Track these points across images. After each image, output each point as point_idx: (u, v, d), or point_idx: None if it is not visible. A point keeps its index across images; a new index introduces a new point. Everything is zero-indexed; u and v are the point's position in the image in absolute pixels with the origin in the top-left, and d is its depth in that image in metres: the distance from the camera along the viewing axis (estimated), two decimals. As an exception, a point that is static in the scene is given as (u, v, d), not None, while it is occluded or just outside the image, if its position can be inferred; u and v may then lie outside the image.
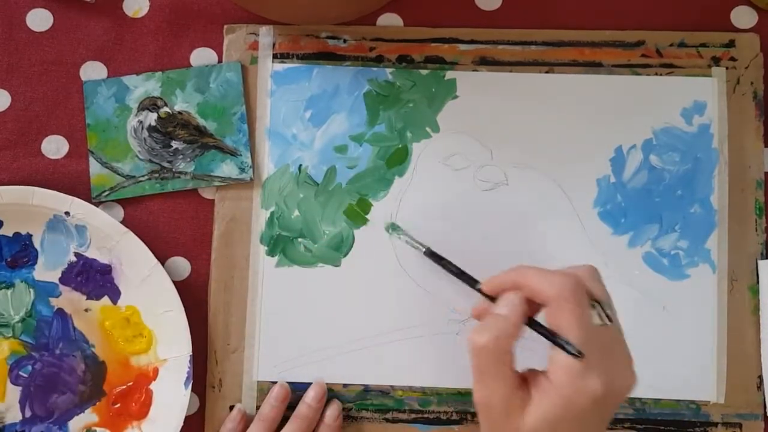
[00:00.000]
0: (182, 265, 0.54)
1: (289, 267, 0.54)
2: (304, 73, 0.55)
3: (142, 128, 0.54)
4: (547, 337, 0.40)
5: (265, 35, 0.55)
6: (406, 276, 0.53)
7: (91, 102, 0.55)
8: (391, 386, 0.53)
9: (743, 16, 0.56)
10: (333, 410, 0.52)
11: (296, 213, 0.54)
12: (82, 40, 0.56)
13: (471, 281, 0.45)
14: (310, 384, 0.53)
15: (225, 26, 0.55)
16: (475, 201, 0.54)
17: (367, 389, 0.53)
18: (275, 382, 0.53)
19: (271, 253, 0.54)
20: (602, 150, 0.54)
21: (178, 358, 0.52)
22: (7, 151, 0.55)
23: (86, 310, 0.53)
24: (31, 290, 0.53)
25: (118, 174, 0.54)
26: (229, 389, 0.53)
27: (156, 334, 0.53)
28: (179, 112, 0.54)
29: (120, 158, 0.54)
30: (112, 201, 0.54)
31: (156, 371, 0.53)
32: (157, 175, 0.54)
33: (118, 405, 0.53)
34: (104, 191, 0.54)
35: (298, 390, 0.53)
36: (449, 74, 0.55)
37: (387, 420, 0.53)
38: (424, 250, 0.49)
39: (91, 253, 0.53)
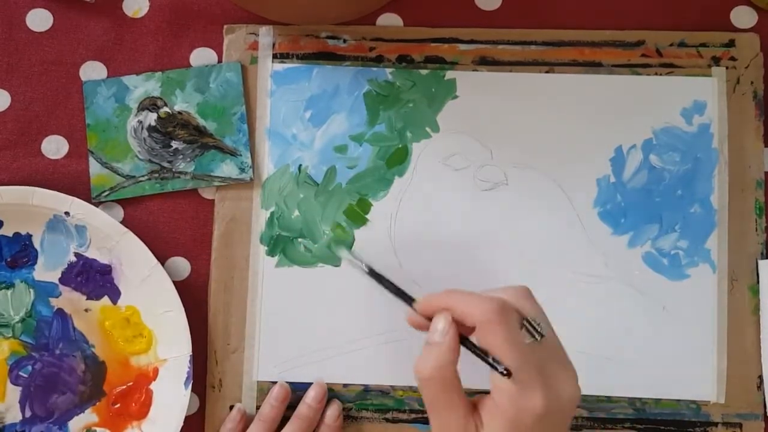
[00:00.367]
0: (182, 265, 0.54)
1: (289, 267, 0.54)
2: (304, 73, 0.55)
3: (142, 128, 0.54)
4: (479, 357, 0.40)
5: (265, 35, 0.55)
6: (406, 276, 0.53)
7: (91, 102, 0.55)
8: (391, 386, 0.53)
9: (743, 16, 0.56)
10: (333, 410, 0.52)
11: (296, 213, 0.54)
12: (82, 40, 0.56)
13: (408, 300, 0.45)
14: (310, 384, 0.53)
15: (225, 26, 0.55)
16: (475, 201, 0.54)
17: (367, 389, 0.53)
18: (275, 382, 0.53)
19: (271, 253, 0.54)
20: (602, 150, 0.54)
21: (178, 358, 0.52)
22: (7, 151, 0.55)
23: (86, 310, 0.53)
24: (31, 290, 0.53)
25: (118, 174, 0.54)
26: (229, 389, 0.53)
27: (156, 334, 0.53)
28: (179, 112, 0.54)
29: (120, 158, 0.54)
30: (112, 201, 0.54)
31: (156, 371, 0.53)
32: (157, 175, 0.54)
33: (118, 405, 0.53)
34: (104, 191, 0.54)
35: (298, 390, 0.53)
36: (449, 74, 0.55)
37: (387, 420, 0.53)
38: (366, 270, 0.48)
39: (91, 254, 0.53)
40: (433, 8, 0.56)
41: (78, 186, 0.54)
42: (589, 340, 0.53)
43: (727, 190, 0.54)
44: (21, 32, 0.56)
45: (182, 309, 0.52)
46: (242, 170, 0.54)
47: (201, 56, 0.55)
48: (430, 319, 0.43)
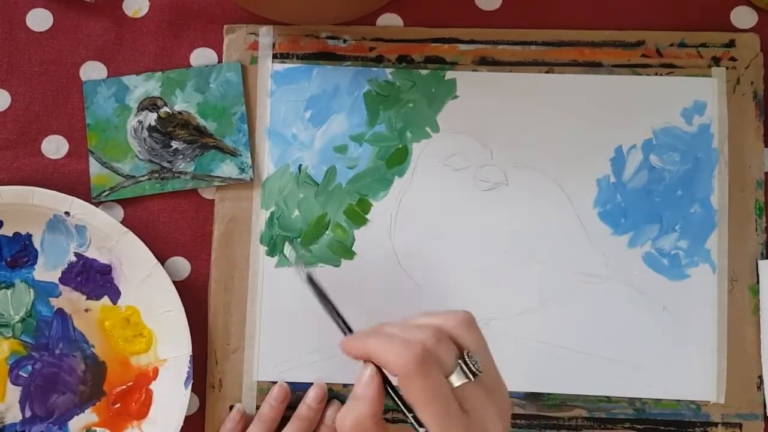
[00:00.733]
0: (182, 265, 0.54)
1: (290, 267, 0.54)
2: (304, 73, 0.55)
3: (142, 128, 0.54)
4: (402, 410, 0.40)
5: (265, 35, 0.55)
6: (406, 276, 0.53)
7: (91, 102, 0.55)
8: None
9: (743, 16, 0.56)
10: (333, 411, 0.52)
11: (296, 213, 0.54)
12: (82, 40, 0.56)
13: (347, 330, 0.45)
14: (309, 384, 0.53)
15: (225, 26, 0.55)
16: (475, 201, 0.54)
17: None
18: (275, 382, 0.53)
19: (271, 253, 0.54)
20: (602, 150, 0.54)
21: (178, 358, 0.52)
22: (7, 151, 0.55)
23: (86, 310, 0.53)
24: (31, 290, 0.53)
25: (118, 174, 0.54)
26: (229, 389, 0.53)
27: (156, 334, 0.53)
28: (179, 112, 0.54)
29: (120, 158, 0.54)
30: (112, 201, 0.54)
31: (156, 371, 0.53)
32: (157, 175, 0.54)
33: (118, 405, 0.53)
34: (104, 191, 0.54)
35: (297, 390, 0.53)
36: (449, 74, 0.55)
37: (387, 420, 0.53)
38: (304, 276, 0.47)
39: (91, 253, 0.53)
40: (433, 8, 0.56)
41: (78, 186, 0.54)
42: (589, 340, 0.53)
43: (727, 190, 0.54)
44: (21, 32, 0.56)
45: (182, 309, 0.52)
46: (242, 170, 0.54)
47: (201, 56, 0.55)
48: None
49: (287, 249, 0.53)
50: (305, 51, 0.55)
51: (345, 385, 0.53)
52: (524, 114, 0.55)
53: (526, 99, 0.55)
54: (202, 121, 0.54)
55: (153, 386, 0.53)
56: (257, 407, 0.53)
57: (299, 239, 0.54)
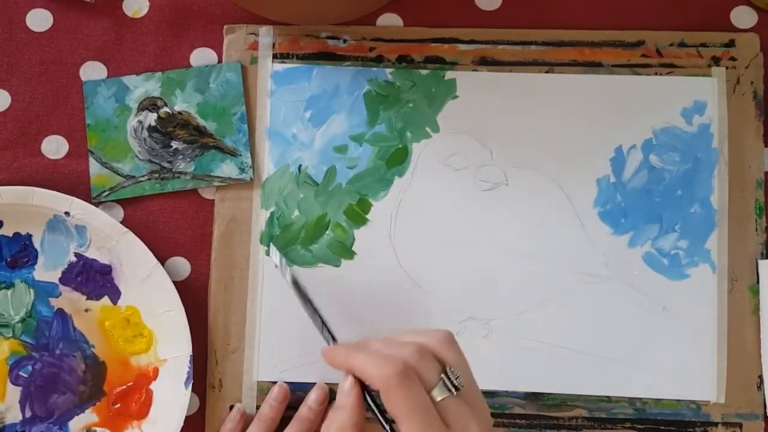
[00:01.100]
0: (182, 265, 0.54)
1: (289, 267, 0.54)
2: (304, 73, 0.55)
3: (142, 128, 0.54)
4: (382, 423, 0.42)
5: (265, 35, 0.55)
6: (406, 276, 0.53)
7: (91, 102, 0.55)
8: (391, 386, 0.53)
9: (743, 16, 0.56)
10: (334, 412, 0.52)
11: (296, 213, 0.54)
12: (82, 40, 0.56)
13: (329, 338, 0.48)
14: (309, 384, 0.53)
15: (225, 26, 0.55)
16: (475, 201, 0.54)
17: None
18: (275, 383, 0.53)
19: (271, 253, 0.54)
20: (602, 150, 0.54)
21: (178, 358, 0.52)
22: (7, 151, 0.55)
23: (86, 310, 0.53)
24: (31, 290, 0.53)
25: (118, 174, 0.54)
26: (229, 389, 0.53)
27: (156, 334, 0.53)
28: (179, 112, 0.54)
29: (120, 158, 0.54)
30: (112, 201, 0.54)
31: (156, 371, 0.53)
32: (157, 175, 0.54)
33: (118, 405, 0.53)
34: (104, 191, 0.54)
35: (298, 390, 0.53)
36: (449, 74, 0.55)
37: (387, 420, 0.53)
38: (289, 280, 0.49)
39: (91, 254, 0.53)
40: (433, 8, 0.56)
41: (78, 186, 0.54)
42: (589, 340, 0.53)
43: (727, 190, 0.54)
44: (21, 32, 0.56)
45: (182, 309, 0.52)
46: (242, 170, 0.54)
47: (201, 56, 0.55)
48: None
49: (272, 250, 0.53)
50: (305, 51, 0.55)
51: (345, 385, 0.53)
52: (524, 114, 0.55)
53: (526, 99, 0.55)
54: (202, 121, 0.54)
55: (153, 386, 0.53)
56: (257, 407, 0.53)
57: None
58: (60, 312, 0.53)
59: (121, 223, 0.53)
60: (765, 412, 0.53)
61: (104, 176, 0.54)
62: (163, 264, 0.53)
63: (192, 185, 0.54)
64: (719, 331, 0.53)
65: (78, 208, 0.52)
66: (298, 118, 0.55)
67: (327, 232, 0.54)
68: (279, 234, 0.54)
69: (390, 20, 0.56)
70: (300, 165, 0.54)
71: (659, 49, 0.55)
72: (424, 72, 0.55)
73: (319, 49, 0.55)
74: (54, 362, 0.53)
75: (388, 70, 0.55)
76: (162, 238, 0.54)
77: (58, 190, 0.52)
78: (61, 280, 0.53)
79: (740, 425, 0.53)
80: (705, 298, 0.53)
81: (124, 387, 0.53)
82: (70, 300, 0.53)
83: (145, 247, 0.52)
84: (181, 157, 0.54)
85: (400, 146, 0.54)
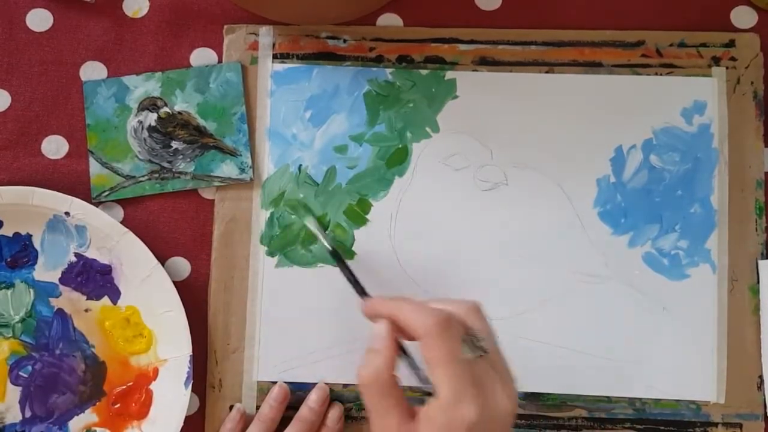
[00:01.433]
0: (182, 265, 0.54)
1: (289, 267, 0.54)
2: (304, 73, 0.55)
3: (142, 128, 0.54)
4: (412, 371, 0.44)
5: (265, 35, 0.55)
6: (406, 276, 0.53)
7: (91, 102, 0.55)
8: (391, 386, 0.53)
9: (743, 16, 0.56)
10: (335, 413, 0.52)
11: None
12: (82, 40, 0.56)
13: (361, 292, 0.48)
14: (310, 384, 0.53)
15: (225, 26, 0.55)
16: (475, 201, 0.54)
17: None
18: (275, 383, 0.53)
19: (271, 253, 0.54)
20: (602, 150, 0.54)
21: (178, 358, 0.52)
22: (7, 151, 0.55)
23: (86, 311, 0.53)
24: (31, 290, 0.53)
25: (118, 174, 0.54)
26: (229, 389, 0.53)
27: (156, 334, 0.53)
28: (179, 112, 0.54)
29: (120, 158, 0.54)
30: (112, 201, 0.54)
31: (156, 371, 0.53)
32: (157, 175, 0.54)
33: (118, 405, 0.53)
34: (104, 191, 0.54)
35: (298, 390, 0.53)
36: (449, 74, 0.55)
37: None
38: (329, 248, 0.50)
39: (91, 254, 0.53)
40: (433, 8, 0.56)
41: (78, 186, 0.54)
42: (589, 340, 0.53)
43: (727, 190, 0.54)
44: (21, 32, 0.56)
45: (182, 309, 0.52)
46: (242, 170, 0.54)
47: (201, 56, 0.55)
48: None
49: (308, 218, 0.52)
50: (305, 51, 0.55)
51: (345, 385, 0.53)
52: (524, 114, 0.55)
53: (526, 99, 0.55)
54: (202, 121, 0.54)
55: (153, 386, 0.53)
56: (257, 407, 0.53)
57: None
58: (60, 312, 0.53)
59: (121, 223, 0.53)
60: (765, 412, 0.53)
61: (104, 176, 0.54)
62: (163, 264, 0.53)
63: (192, 185, 0.54)
64: (719, 331, 0.53)
65: (78, 208, 0.52)
66: (298, 118, 0.55)
67: (327, 232, 0.54)
68: (279, 234, 0.54)
69: (390, 20, 0.56)
70: (300, 165, 0.54)
71: (659, 49, 0.55)
72: (424, 72, 0.55)
73: (319, 49, 0.55)
74: (54, 362, 0.53)
75: (388, 70, 0.55)
76: (162, 238, 0.54)
77: (58, 190, 0.52)
78: (61, 280, 0.53)
79: (740, 425, 0.53)
80: (705, 298, 0.53)
81: (124, 387, 0.53)
82: (70, 300, 0.53)
83: (145, 247, 0.52)
84: (181, 157, 0.54)
85: (400, 146, 0.54)
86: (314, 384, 0.53)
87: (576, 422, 0.53)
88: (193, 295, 0.54)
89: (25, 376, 0.53)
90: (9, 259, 0.53)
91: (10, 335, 0.53)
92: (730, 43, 0.55)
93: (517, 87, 0.55)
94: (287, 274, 0.54)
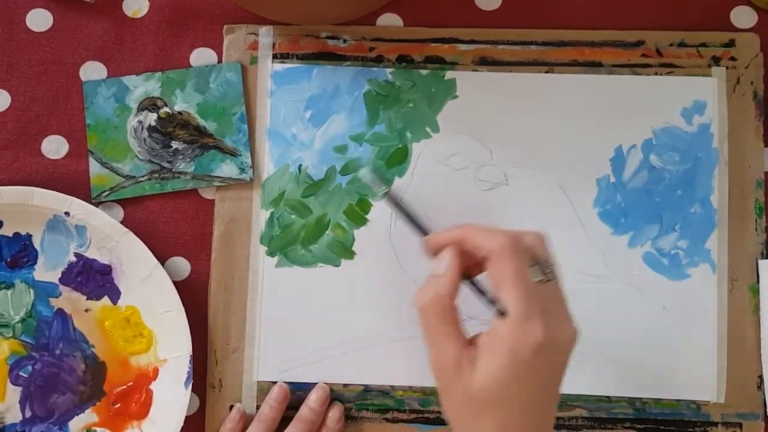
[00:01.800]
0: (182, 265, 0.54)
1: (289, 267, 0.54)
2: (304, 73, 0.55)
3: (142, 128, 0.54)
4: (478, 293, 0.42)
5: (265, 35, 0.55)
6: (406, 276, 0.53)
7: (91, 102, 0.55)
8: (391, 386, 0.53)
9: (743, 16, 0.56)
10: (335, 413, 0.52)
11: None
12: (82, 40, 0.56)
13: (423, 232, 0.45)
14: (310, 384, 0.53)
15: (225, 26, 0.55)
16: (475, 201, 0.54)
17: (367, 389, 0.53)
18: (275, 383, 0.53)
19: (271, 253, 0.54)
20: (602, 150, 0.54)
21: (178, 358, 0.52)
22: (7, 151, 0.55)
23: (86, 311, 0.53)
24: (31, 290, 0.53)
25: (118, 174, 0.54)
26: (229, 389, 0.53)
27: (156, 334, 0.53)
28: (179, 112, 0.54)
29: (120, 158, 0.54)
30: (112, 201, 0.54)
31: (156, 371, 0.53)
32: (157, 175, 0.54)
33: (118, 405, 0.53)
34: (104, 191, 0.54)
35: (298, 390, 0.53)
36: (449, 74, 0.55)
37: (387, 420, 0.53)
38: (384, 191, 0.48)
39: (91, 254, 0.53)
40: (433, 8, 0.56)
41: (78, 186, 0.54)
42: (589, 340, 0.53)
43: (727, 190, 0.54)
44: (21, 32, 0.56)
45: (182, 309, 0.52)
46: (242, 170, 0.54)
47: (201, 56, 0.55)
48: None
49: (363, 170, 0.50)
50: (305, 51, 0.55)
51: (345, 385, 0.53)
52: (524, 114, 0.55)
53: (526, 99, 0.55)
54: (202, 121, 0.54)
55: (153, 386, 0.53)
56: (257, 407, 0.53)
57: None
58: (60, 312, 0.53)
59: (121, 223, 0.53)
60: (765, 412, 0.53)
61: (104, 176, 0.54)
62: (163, 264, 0.53)
63: (192, 185, 0.54)
64: (719, 331, 0.53)
65: (78, 208, 0.52)
66: (298, 118, 0.55)
67: (327, 232, 0.54)
68: (279, 234, 0.54)
69: (390, 20, 0.56)
70: (300, 165, 0.54)
71: (659, 49, 0.55)
72: (424, 72, 0.55)
73: (319, 49, 0.55)
74: (54, 362, 0.53)
75: (388, 70, 0.55)
76: (162, 238, 0.54)
77: (58, 190, 0.52)
78: (61, 280, 0.53)
79: (740, 425, 0.53)
80: (705, 298, 0.53)
81: (124, 387, 0.53)
82: (70, 300, 0.53)
83: (145, 247, 0.52)
84: (181, 157, 0.54)
85: (400, 146, 0.54)
86: (314, 384, 0.53)
87: (576, 422, 0.53)
88: (193, 295, 0.54)
89: (25, 376, 0.53)
90: (9, 259, 0.53)
91: (10, 335, 0.53)
92: (730, 43, 0.55)
93: (517, 87, 0.55)
94: (287, 274, 0.54)
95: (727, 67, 0.55)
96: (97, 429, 0.53)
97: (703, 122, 0.54)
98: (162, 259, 0.53)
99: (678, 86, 0.55)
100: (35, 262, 0.53)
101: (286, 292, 0.54)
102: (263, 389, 0.53)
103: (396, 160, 0.54)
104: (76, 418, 0.53)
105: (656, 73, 0.55)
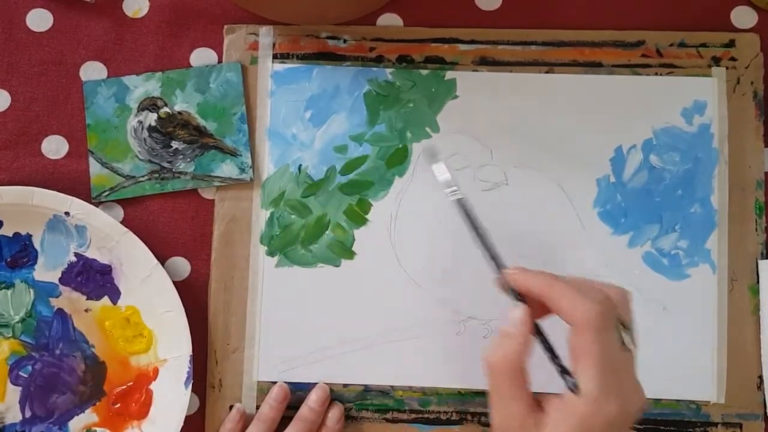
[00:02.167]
0: (182, 265, 0.54)
1: (289, 267, 0.54)
2: (304, 73, 0.55)
3: (142, 128, 0.54)
4: (551, 358, 0.41)
5: (265, 35, 0.55)
6: (406, 276, 0.53)
7: (91, 102, 0.55)
8: (391, 386, 0.53)
9: (743, 16, 0.56)
10: (335, 413, 0.52)
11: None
12: (82, 40, 0.56)
13: (497, 263, 0.43)
14: (310, 384, 0.53)
15: (225, 26, 0.55)
16: (475, 201, 0.54)
17: (367, 389, 0.53)
18: (275, 383, 0.53)
19: (271, 253, 0.54)
20: (602, 150, 0.54)
21: (178, 358, 0.52)
22: (7, 151, 0.55)
23: (86, 310, 0.53)
24: (31, 290, 0.53)
25: (118, 174, 0.54)
26: (229, 389, 0.53)
27: (156, 334, 0.53)
28: (179, 113, 0.54)
29: (120, 158, 0.54)
30: (112, 201, 0.54)
31: (156, 371, 0.53)
32: (157, 175, 0.54)
33: (118, 405, 0.53)
34: (104, 191, 0.54)
35: (298, 390, 0.53)
36: (449, 74, 0.55)
37: (387, 420, 0.53)
38: (459, 197, 0.45)
39: (91, 254, 0.53)
40: (433, 8, 0.56)
41: (78, 186, 0.54)
42: (589, 340, 0.53)
43: (727, 190, 0.54)
44: (21, 32, 0.56)
45: (182, 309, 0.52)
46: (242, 170, 0.54)
47: (201, 56, 0.55)
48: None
49: (438, 165, 0.47)
50: (305, 51, 0.55)
51: (345, 385, 0.53)
52: (524, 114, 0.55)
53: (526, 99, 0.55)
54: (202, 121, 0.54)
55: (153, 386, 0.53)
56: (257, 407, 0.53)
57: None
58: (60, 312, 0.53)
59: (121, 223, 0.53)
60: (765, 412, 0.53)
61: (104, 176, 0.54)
62: (163, 264, 0.53)
63: (192, 185, 0.54)
64: (719, 331, 0.53)
65: (78, 208, 0.52)
66: (298, 118, 0.55)
67: (327, 232, 0.54)
68: (279, 234, 0.54)
69: (390, 20, 0.56)
70: (300, 165, 0.54)
71: (659, 49, 0.55)
72: (424, 72, 0.55)
73: (319, 49, 0.55)
74: (54, 362, 0.53)
75: (388, 70, 0.55)
76: (162, 238, 0.54)
77: (58, 190, 0.52)
78: (61, 280, 0.53)
79: (740, 425, 0.53)
80: (705, 298, 0.53)
81: (124, 387, 0.53)
82: (70, 300, 0.53)
83: (145, 247, 0.52)
84: (181, 157, 0.54)
85: (400, 146, 0.54)
86: (314, 384, 0.53)
87: (576, 422, 0.53)
88: (193, 295, 0.54)
89: (25, 376, 0.53)
90: (9, 259, 0.53)
91: (10, 335, 0.53)
92: (730, 43, 0.55)
93: (517, 87, 0.55)
94: (287, 274, 0.54)
95: (727, 68, 0.55)
96: (97, 429, 0.53)
97: (703, 122, 0.54)
98: (162, 259, 0.53)
99: (678, 86, 0.55)
100: (35, 262, 0.53)
101: (286, 292, 0.54)
102: (263, 389, 0.53)
103: (396, 160, 0.54)
104: (76, 418, 0.53)
105: (656, 73, 0.55)
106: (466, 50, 0.55)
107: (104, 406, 0.53)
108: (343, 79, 0.55)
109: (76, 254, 0.53)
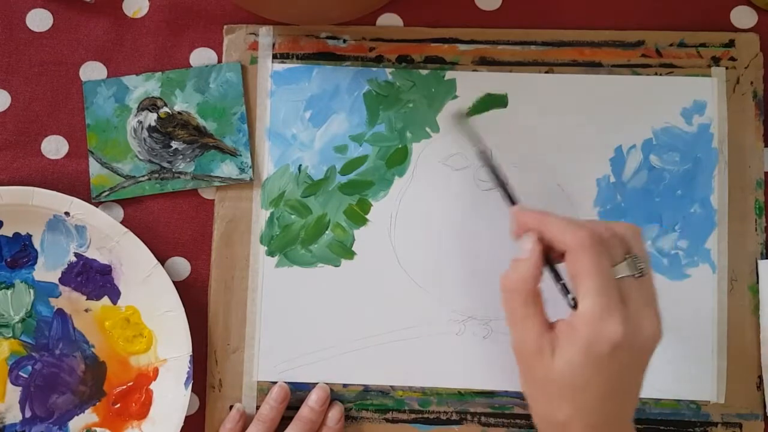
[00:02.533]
0: (182, 265, 0.54)
1: (289, 267, 0.54)
2: (304, 73, 0.55)
3: (142, 128, 0.54)
4: (555, 280, 0.43)
5: (265, 35, 0.55)
6: (406, 276, 0.53)
7: (91, 102, 0.55)
8: (391, 386, 0.53)
9: (743, 16, 0.56)
10: (335, 413, 0.52)
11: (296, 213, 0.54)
12: (82, 40, 0.56)
13: (510, 200, 0.47)
14: (310, 384, 0.53)
15: (225, 26, 0.55)
16: (475, 201, 0.54)
17: (367, 389, 0.53)
18: (275, 383, 0.53)
19: (271, 253, 0.54)
20: (602, 150, 0.54)
21: (178, 358, 0.52)
22: (7, 151, 0.55)
23: (86, 311, 0.53)
24: (31, 290, 0.53)
25: (118, 174, 0.54)
26: (229, 389, 0.53)
27: (156, 334, 0.53)
28: (179, 113, 0.54)
29: (120, 158, 0.54)
30: (112, 201, 0.54)
31: (156, 371, 0.53)
32: (157, 175, 0.54)
33: (118, 405, 0.53)
34: (104, 191, 0.54)
35: (298, 390, 0.53)
36: (449, 74, 0.55)
37: (387, 420, 0.53)
38: (479, 148, 0.49)
39: (91, 254, 0.53)
40: (433, 8, 0.56)
41: (78, 186, 0.54)
42: (589, 340, 0.53)
43: (727, 190, 0.54)
44: (21, 32, 0.56)
45: (182, 309, 0.52)
46: (242, 170, 0.54)
47: (201, 56, 0.55)
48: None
49: (460, 120, 0.50)
50: (305, 51, 0.55)
51: (345, 385, 0.53)
52: (524, 114, 0.55)
53: (526, 99, 0.55)
54: (202, 121, 0.54)
55: (153, 386, 0.53)
56: (257, 407, 0.53)
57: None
58: (60, 312, 0.53)
59: (121, 223, 0.53)
60: (765, 412, 0.53)
61: (104, 176, 0.54)
62: (163, 264, 0.53)
63: (192, 185, 0.54)
64: (719, 331, 0.53)
65: (78, 208, 0.52)
66: (298, 118, 0.55)
67: (327, 232, 0.54)
68: (279, 234, 0.54)
69: (390, 20, 0.56)
70: (300, 165, 0.54)
71: (659, 49, 0.55)
72: (424, 72, 0.55)
73: (319, 49, 0.55)
74: (54, 362, 0.53)
75: (388, 70, 0.55)
76: (162, 238, 0.54)
77: (58, 190, 0.52)
78: (61, 280, 0.53)
79: (740, 425, 0.53)
80: (705, 298, 0.53)
81: (124, 387, 0.53)
82: (70, 300, 0.53)
83: (145, 247, 0.52)
84: (181, 157, 0.54)
85: (400, 146, 0.54)
86: (314, 384, 0.53)
87: (576, 422, 0.53)
88: (193, 295, 0.54)
89: (25, 376, 0.53)
90: (9, 259, 0.53)
91: (10, 335, 0.53)
92: (730, 43, 0.55)
93: (517, 87, 0.55)
94: (287, 274, 0.54)
95: (727, 67, 0.55)
96: (97, 429, 0.53)
97: (703, 122, 0.54)
98: (162, 259, 0.53)
99: (678, 86, 0.55)
100: (35, 262, 0.53)
101: (286, 292, 0.54)
102: (263, 389, 0.53)
103: (396, 160, 0.54)
104: (76, 418, 0.53)
105: (656, 73, 0.55)
106: (465, 50, 0.55)
107: (104, 406, 0.53)
108: (342, 79, 0.55)
109: (76, 254, 0.53)
